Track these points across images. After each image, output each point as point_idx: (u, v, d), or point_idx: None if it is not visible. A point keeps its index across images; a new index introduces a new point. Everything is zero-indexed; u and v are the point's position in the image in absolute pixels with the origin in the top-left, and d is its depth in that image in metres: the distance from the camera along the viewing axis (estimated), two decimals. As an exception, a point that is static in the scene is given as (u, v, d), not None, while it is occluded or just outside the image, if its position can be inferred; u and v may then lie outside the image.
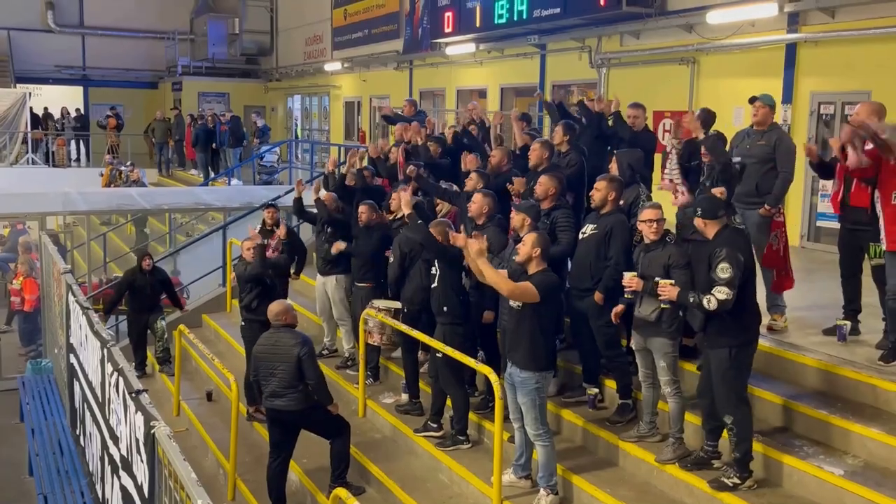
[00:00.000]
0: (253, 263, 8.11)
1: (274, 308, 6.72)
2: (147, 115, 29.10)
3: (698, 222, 5.30)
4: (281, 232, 8.80)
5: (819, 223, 10.32)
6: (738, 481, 5.20)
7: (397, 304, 7.62)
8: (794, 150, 6.56)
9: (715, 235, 5.23)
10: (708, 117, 6.97)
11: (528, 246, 5.62)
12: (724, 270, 5.02)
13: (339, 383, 8.39)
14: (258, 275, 8.11)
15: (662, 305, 5.43)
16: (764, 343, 5.95)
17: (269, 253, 8.51)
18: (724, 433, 5.40)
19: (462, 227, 6.78)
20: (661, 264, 5.60)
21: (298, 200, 8.95)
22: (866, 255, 6.22)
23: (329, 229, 8.69)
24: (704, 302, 5.06)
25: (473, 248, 5.65)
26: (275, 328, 6.65)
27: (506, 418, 5.98)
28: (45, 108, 27.11)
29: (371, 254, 8.18)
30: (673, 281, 5.34)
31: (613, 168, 6.75)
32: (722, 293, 5.01)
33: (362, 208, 8.29)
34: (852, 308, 6.44)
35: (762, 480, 5.36)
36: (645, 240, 5.76)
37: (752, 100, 6.62)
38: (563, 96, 8.87)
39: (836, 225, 6.78)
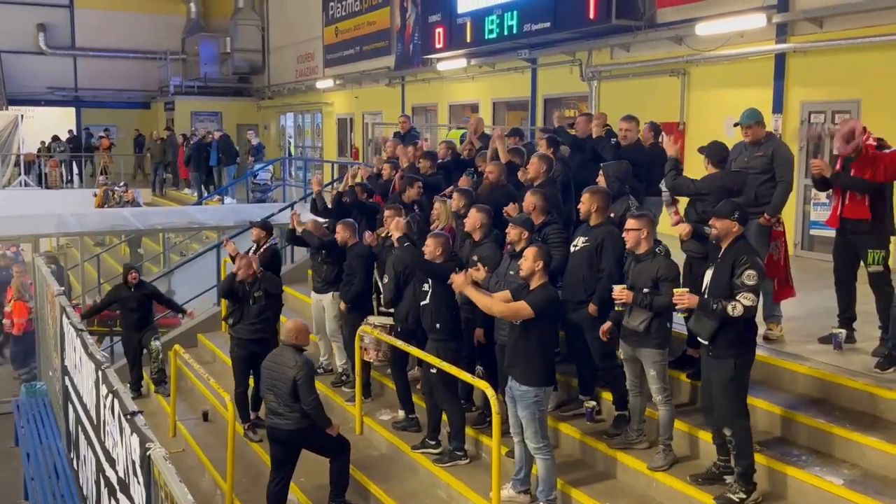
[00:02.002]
0: (228, 278, 8.15)
1: (287, 326, 6.72)
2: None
3: (712, 222, 5.26)
4: (264, 254, 8.79)
5: (812, 231, 10.35)
6: (743, 496, 5.17)
7: (392, 321, 7.61)
8: (792, 158, 6.59)
9: (732, 242, 5.19)
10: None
11: (529, 260, 5.63)
12: (750, 277, 5.01)
13: (336, 401, 8.37)
14: (230, 291, 8.15)
15: (681, 315, 5.41)
16: (761, 353, 5.94)
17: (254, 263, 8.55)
18: None
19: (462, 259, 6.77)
20: (650, 276, 5.61)
21: (291, 231, 9.00)
22: (862, 263, 6.23)
23: (323, 251, 8.72)
24: (729, 308, 4.99)
25: (457, 281, 5.83)
26: (283, 346, 6.65)
27: (505, 432, 5.97)
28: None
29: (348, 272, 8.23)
30: (688, 289, 5.30)
31: (601, 181, 6.77)
32: (748, 300, 4.99)
33: (338, 228, 8.36)
34: (847, 316, 6.45)
35: (763, 492, 5.34)
36: (628, 247, 5.79)
37: (736, 125, 6.68)
38: (560, 117, 8.88)
39: (829, 233, 6.81)
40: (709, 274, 5.30)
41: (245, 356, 8.21)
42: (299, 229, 8.84)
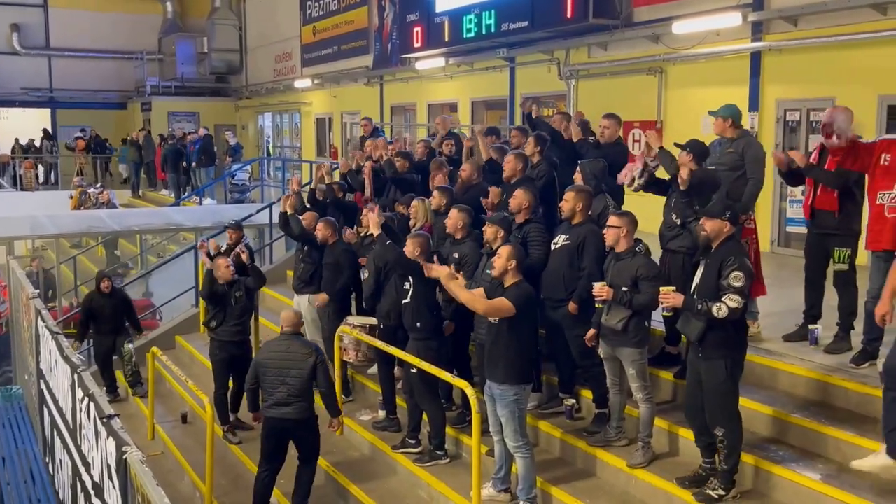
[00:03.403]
0: (205, 282, 8.09)
1: (289, 316, 6.78)
2: (117, 136, 28.91)
3: (703, 221, 5.23)
4: (244, 257, 8.71)
5: (789, 228, 10.44)
6: (723, 492, 5.18)
7: (372, 321, 7.59)
8: (763, 157, 6.62)
9: (722, 242, 5.15)
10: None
11: (503, 258, 5.62)
12: (737, 279, 4.97)
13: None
14: (212, 294, 8.11)
15: (664, 313, 5.40)
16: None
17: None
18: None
19: (436, 258, 6.75)
20: (630, 275, 5.63)
21: (283, 215, 8.92)
22: (831, 261, 6.28)
23: (305, 248, 8.67)
24: (714, 310, 4.96)
25: (442, 274, 5.78)
26: (286, 335, 6.66)
27: (485, 431, 5.96)
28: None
29: (332, 271, 8.19)
30: (674, 288, 5.29)
31: (578, 178, 6.78)
32: (734, 301, 4.94)
33: (318, 226, 8.32)
34: (812, 314, 6.50)
35: (740, 488, 5.37)
36: (608, 244, 5.79)
37: (712, 113, 6.70)
38: (537, 109, 8.88)
39: (805, 230, 6.85)
40: (698, 273, 5.28)
41: (227, 358, 8.18)
42: (290, 210, 8.76)
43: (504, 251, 5.66)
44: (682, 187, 6.08)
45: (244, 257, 8.53)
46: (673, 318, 5.54)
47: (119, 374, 10.62)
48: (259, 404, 6.78)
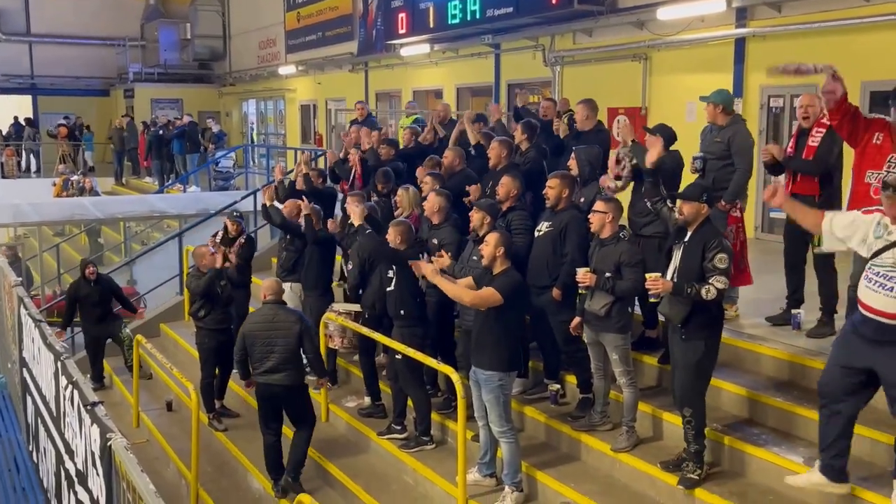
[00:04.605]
0: (202, 280, 8.07)
1: (270, 285, 6.87)
2: (100, 123, 28.65)
3: (679, 206, 5.24)
4: (232, 258, 8.70)
5: (773, 215, 10.49)
6: (700, 472, 5.26)
7: (357, 308, 7.59)
8: (751, 145, 6.62)
9: (700, 225, 5.18)
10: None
11: (491, 246, 5.63)
12: (721, 261, 5.02)
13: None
14: (208, 291, 8.12)
15: (652, 299, 5.42)
16: (724, 335, 5.99)
17: (231, 257, 8.62)
18: (707, 432, 5.41)
19: (423, 256, 6.75)
20: (613, 261, 5.66)
21: (264, 206, 8.90)
22: (810, 245, 6.30)
23: (288, 236, 8.66)
24: (703, 292, 5.00)
25: (427, 270, 5.84)
26: (269, 305, 6.76)
27: (470, 417, 5.98)
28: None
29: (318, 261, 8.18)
30: (659, 274, 5.31)
31: (573, 165, 6.78)
32: (720, 283, 5.00)
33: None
34: (795, 298, 6.54)
35: (724, 471, 5.43)
36: (592, 230, 5.82)
37: (703, 98, 6.69)
38: (525, 99, 8.92)
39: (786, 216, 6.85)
40: (676, 257, 5.29)
41: (215, 346, 8.20)
42: (269, 202, 8.76)
43: (492, 238, 5.67)
44: (648, 166, 6.13)
45: (232, 258, 8.57)
46: (655, 305, 5.57)
47: (107, 367, 10.57)
48: (249, 372, 6.84)
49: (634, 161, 6.40)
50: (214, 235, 9.23)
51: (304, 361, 6.86)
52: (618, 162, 6.58)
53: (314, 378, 8.29)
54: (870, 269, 4.40)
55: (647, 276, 5.28)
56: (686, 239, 5.24)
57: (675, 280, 5.16)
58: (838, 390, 4.50)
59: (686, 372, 5.23)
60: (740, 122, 6.73)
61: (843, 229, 4.51)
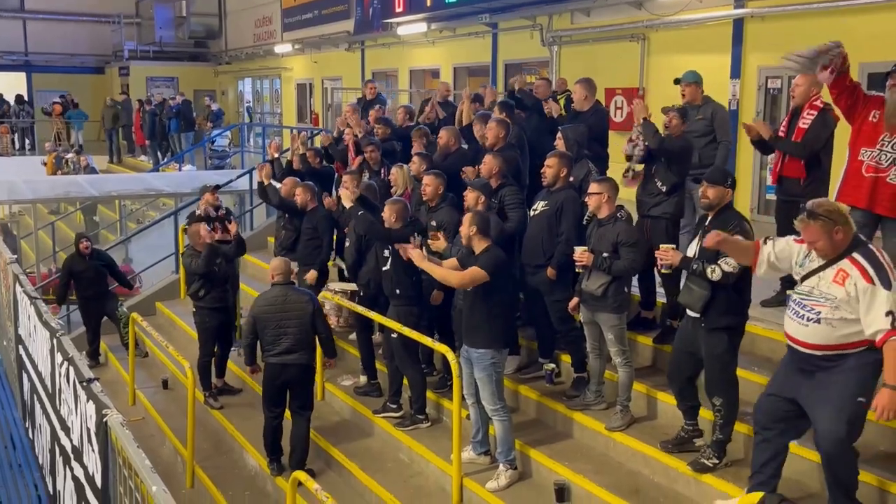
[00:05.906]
0: (201, 259, 8.01)
1: (280, 265, 6.75)
2: (94, 101, 28.47)
3: (703, 189, 5.18)
4: (233, 228, 8.65)
5: (768, 196, 10.49)
6: (717, 461, 5.20)
7: (353, 287, 7.59)
8: (729, 118, 6.64)
9: (722, 209, 5.10)
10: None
11: (465, 226, 5.69)
12: None
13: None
14: (207, 269, 8.07)
15: (663, 271, 5.41)
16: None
17: (231, 227, 8.58)
18: (704, 412, 5.38)
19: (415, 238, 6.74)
20: (611, 241, 5.66)
21: (261, 185, 8.88)
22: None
23: (286, 215, 8.65)
24: (708, 271, 4.91)
25: (414, 255, 5.88)
26: (279, 286, 6.66)
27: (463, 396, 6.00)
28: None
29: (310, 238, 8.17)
30: (674, 245, 5.28)
31: (560, 144, 6.77)
32: (729, 265, 4.86)
33: (297, 191, 8.30)
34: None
35: (736, 461, 5.38)
36: (589, 212, 5.81)
37: (676, 81, 6.69)
38: (522, 81, 8.89)
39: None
40: (694, 243, 5.20)
41: (216, 325, 8.19)
42: (266, 181, 8.73)
43: (466, 218, 5.73)
44: (662, 135, 6.14)
45: (232, 228, 8.53)
46: (671, 278, 5.56)
47: (103, 344, 10.57)
48: (256, 358, 6.78)
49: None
50: (199, 218, 9.09)
51: None
52: (631, 142, 6.55)
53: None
54: (790, 296, 4.42)
55: (661, 246, 5.27)
56: (707, 223, 5.15)
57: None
58: (766, 417, 4.51)
59: (713, 363, 5.10)
60: (712, 99, 6.77)
61: (780, 252, 4.48)
